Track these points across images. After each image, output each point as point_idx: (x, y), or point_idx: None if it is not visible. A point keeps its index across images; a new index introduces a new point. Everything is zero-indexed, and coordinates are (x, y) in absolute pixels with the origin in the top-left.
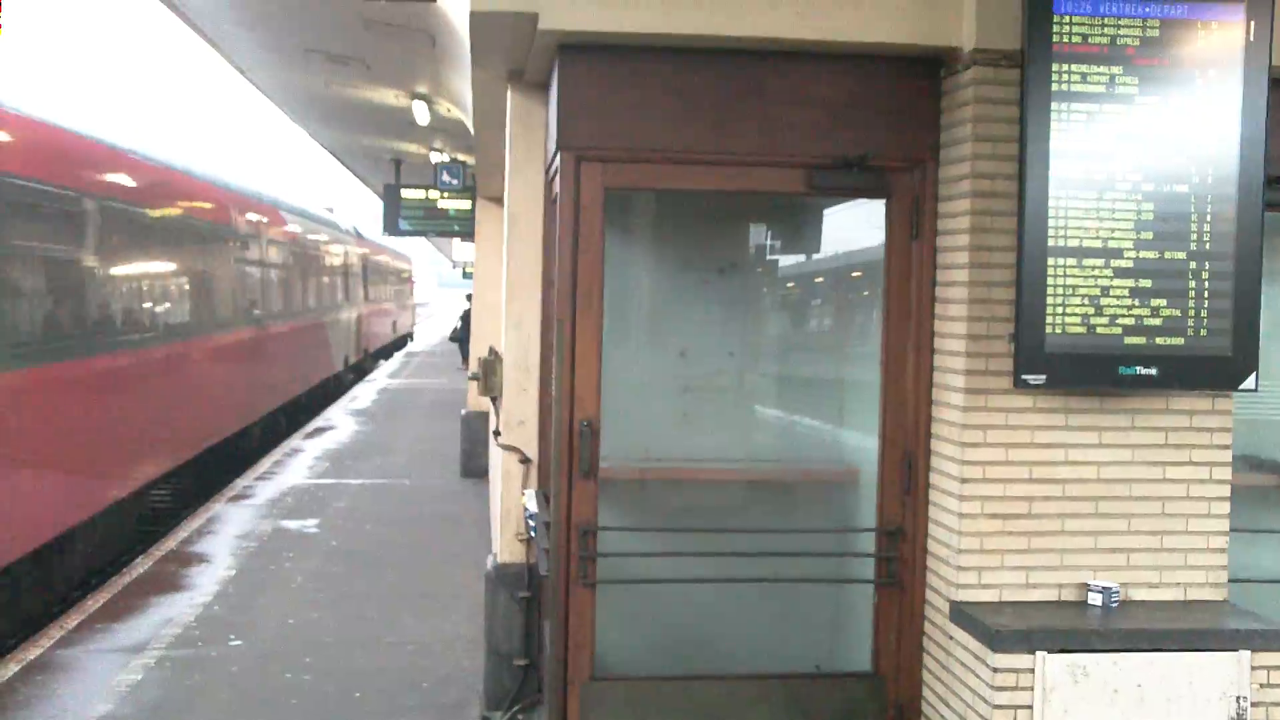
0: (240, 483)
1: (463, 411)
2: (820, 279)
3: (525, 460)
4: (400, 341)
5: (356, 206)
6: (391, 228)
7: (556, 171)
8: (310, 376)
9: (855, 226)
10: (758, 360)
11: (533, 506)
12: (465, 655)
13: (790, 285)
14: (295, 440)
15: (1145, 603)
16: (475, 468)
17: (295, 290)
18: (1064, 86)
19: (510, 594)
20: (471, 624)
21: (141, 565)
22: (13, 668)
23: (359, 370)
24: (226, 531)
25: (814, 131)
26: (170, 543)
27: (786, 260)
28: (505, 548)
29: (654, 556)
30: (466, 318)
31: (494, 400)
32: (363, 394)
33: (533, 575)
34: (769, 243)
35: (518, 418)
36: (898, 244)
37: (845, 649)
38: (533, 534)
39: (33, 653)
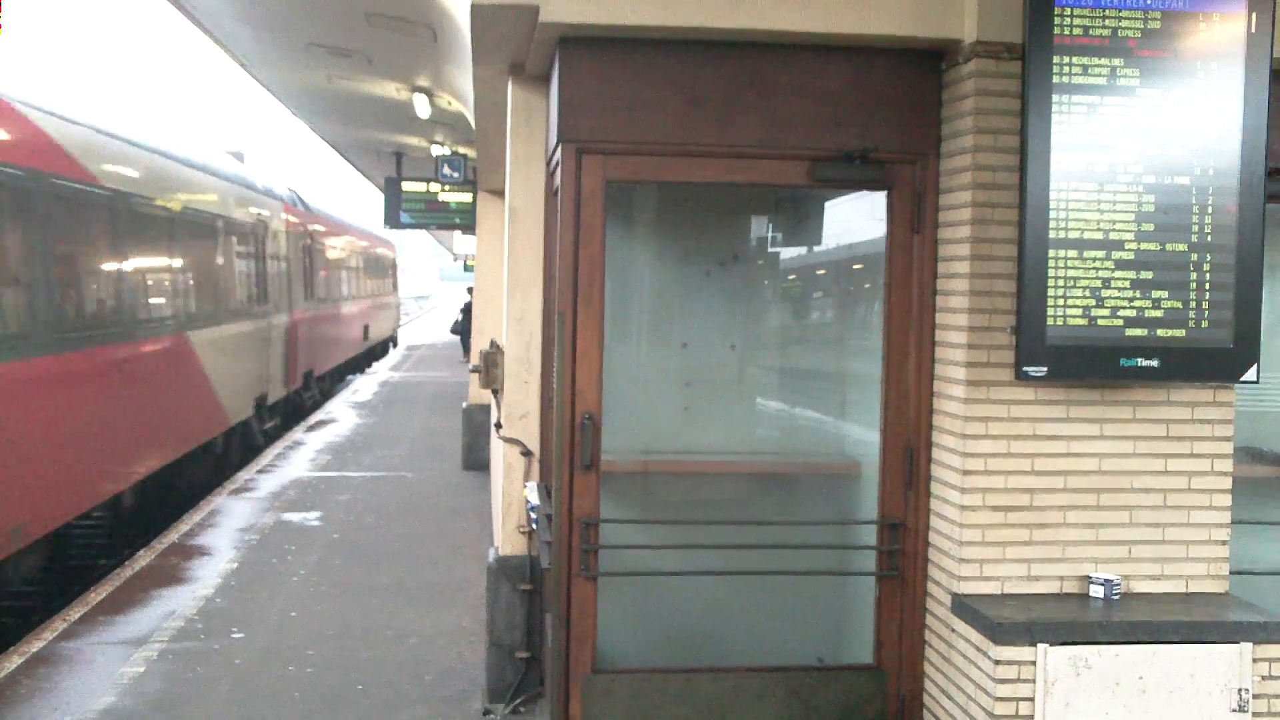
0: (242, 476)
1: (464, 404)
2: (822, 271)
3: (527, 453)
4: (378, 350)
5: (357, 197)
6: (393, 221)
7: (558, 164)
8: (146, 454)
9: (857, 219)
10: (759, 353)
11: (534, 499)
12: (468, 648)
13: (792, 278)
14: (297, 433)
15: (1147, 595)
16: (477, 460)
17: (103, 288)
18: (1065, 78)
19: (512, 586)
20: (474, 616)
21: (144, 558)
22: (16, 660)
23: (294, 406)
24: (228, 524)
25: (816, 124)
26: (172, 535)
27: (788, 253)
28: (507, 540)
29: (656, 549)
30: (468, 310)
31: (495, 393)
32: (364, 387)
33: (535, 568)
34: (770, 235)
35: (519, 410)
36: (899, 237)
37: (847, 642)
38: (534, 526)
39: (35, 645)
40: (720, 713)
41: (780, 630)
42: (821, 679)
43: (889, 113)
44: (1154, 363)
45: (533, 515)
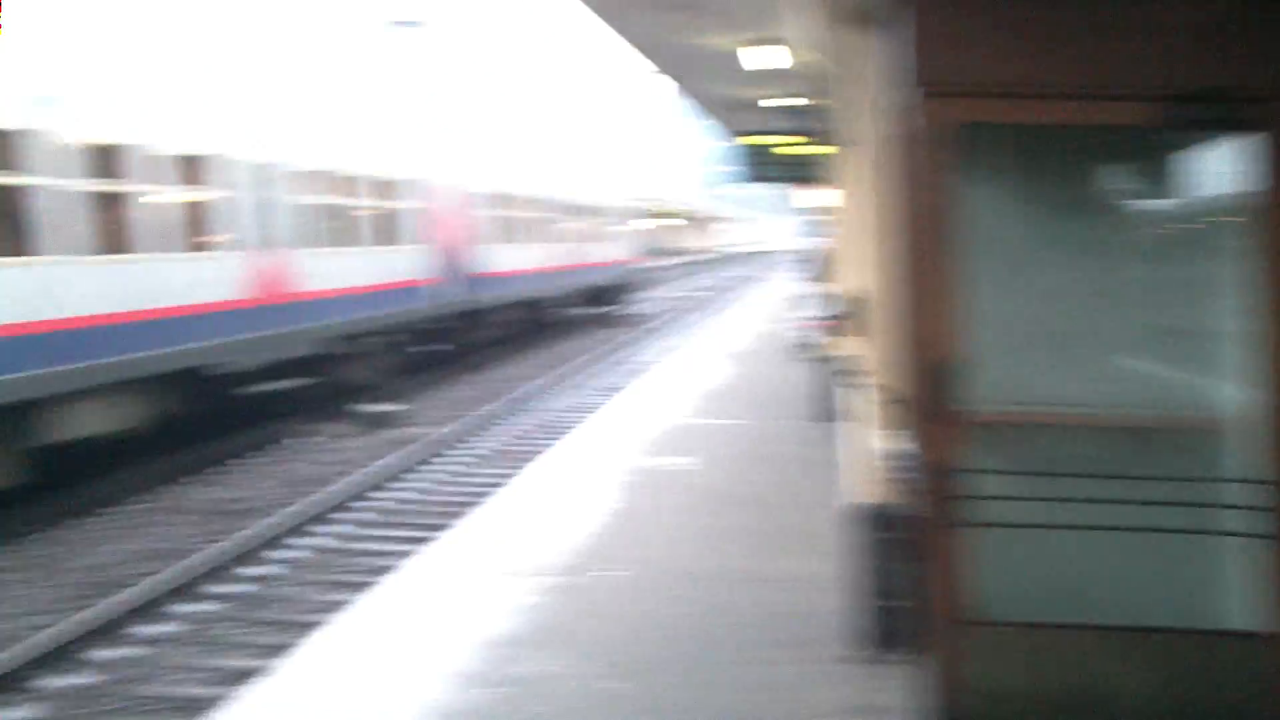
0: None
1: (813, 356)
2: (1198, 223)
3: (883, 401)
4: None
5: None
6: (744, 177)
7: (909, 108)
8: None
9: (1233, 165)
10: (1125, 305)
11: (890, 447)
12: (826, 594)
13: (1164, 229)
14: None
15: None
16: (827, 411)
17: None
18: None
19: (869, 535)
20: (830, 564)
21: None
22: None
23: None
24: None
25: (1177, 61)
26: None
27: (1161, 202)
28: (863, 489)
29: (1019, 501)
30: (820, 262)
31: (850, 343)
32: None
33: (892, 516)
34: (1138, 183)
35: (875, 359)
36: None
37: (1224, 606)
38: (893, 475)
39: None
40: (1103, 674)
41: (1151, 590)
42: (1193, 643)
43: (1260, 47)
44: None
45: (890, 463)
